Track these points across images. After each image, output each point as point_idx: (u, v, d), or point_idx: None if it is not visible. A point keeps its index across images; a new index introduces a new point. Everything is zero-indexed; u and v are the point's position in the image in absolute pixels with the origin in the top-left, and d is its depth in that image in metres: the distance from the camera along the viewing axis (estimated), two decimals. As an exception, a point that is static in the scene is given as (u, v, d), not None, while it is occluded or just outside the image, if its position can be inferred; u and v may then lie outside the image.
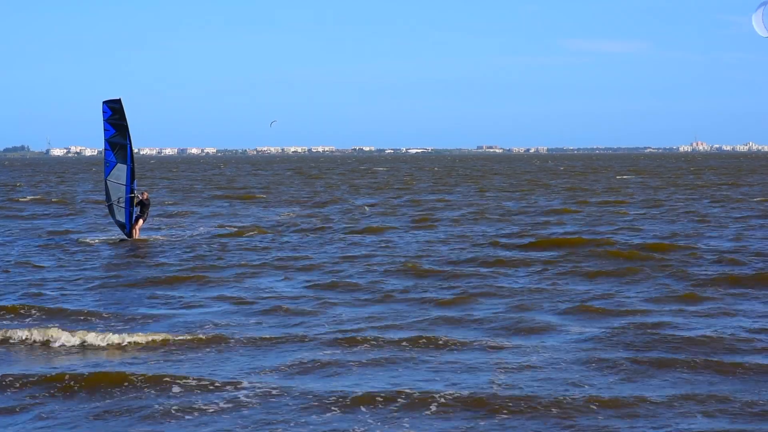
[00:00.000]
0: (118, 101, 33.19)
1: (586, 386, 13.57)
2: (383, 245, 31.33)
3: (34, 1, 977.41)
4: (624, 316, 18.53)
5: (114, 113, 33.11)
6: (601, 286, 22.47)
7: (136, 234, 33.49)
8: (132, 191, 33.07)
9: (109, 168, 33.54)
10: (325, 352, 15.78)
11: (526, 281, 23.30)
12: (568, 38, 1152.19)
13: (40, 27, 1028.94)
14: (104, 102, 33.31)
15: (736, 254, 27.19)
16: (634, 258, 26.74)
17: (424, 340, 16.41)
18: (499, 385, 13.58)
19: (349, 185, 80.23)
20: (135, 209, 33.30)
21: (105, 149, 33.59)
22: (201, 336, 16.92)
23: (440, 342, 16.31)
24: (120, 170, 33.12)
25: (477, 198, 59.15)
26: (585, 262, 26.18)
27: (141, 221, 33.60)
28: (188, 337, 16.83)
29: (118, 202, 33.34)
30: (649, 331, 17.07)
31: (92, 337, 16.70)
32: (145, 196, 33.60)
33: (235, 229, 36.86)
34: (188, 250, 30.69)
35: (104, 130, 33.25)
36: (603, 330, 17.15)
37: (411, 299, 20.86)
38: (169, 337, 16.82)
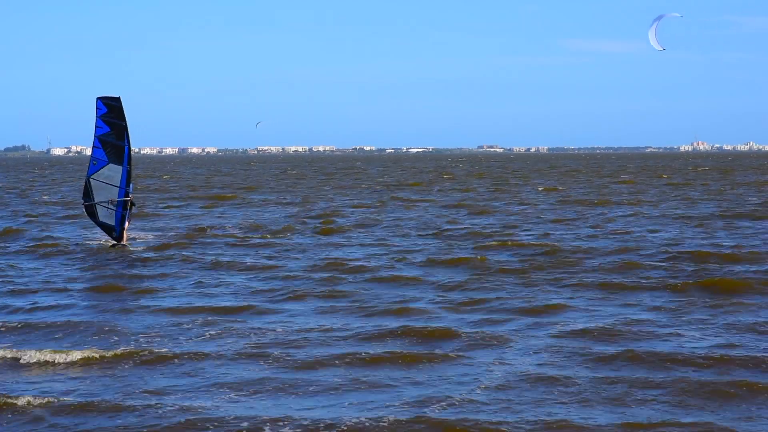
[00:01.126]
0: (118, 99, 31.68)
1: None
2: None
3: (34, 1, 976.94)
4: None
5: (111, 111, 31.61)
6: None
7: (125, 238, 31.76)
8: (127, 194, 31.41)
9: (96, 166, 31.92)
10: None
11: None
12: (568, 38, 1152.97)
13: (40, 27, 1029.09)
14: (99, 98, 31.78)
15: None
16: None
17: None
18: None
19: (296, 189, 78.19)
20: (127, 213, 31.62)
21: (94, 146, 31.92)
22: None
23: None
24: (112, 170, 31.65)
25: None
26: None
27: (127, 223, 31.95)
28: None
29: (110, 203, 31.65)
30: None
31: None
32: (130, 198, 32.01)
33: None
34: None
35: (96, 126, 31.71)
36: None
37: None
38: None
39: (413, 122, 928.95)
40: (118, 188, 31.38)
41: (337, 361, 14.95)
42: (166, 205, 53.03)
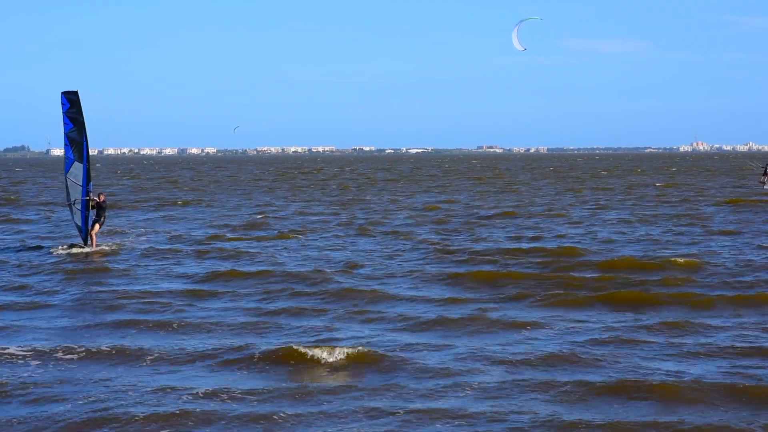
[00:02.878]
0: (76, 93, 30.34)
1: None
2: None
3: (34, 1, 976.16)
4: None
5: (72, 106, 30.28)
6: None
7: (94, 241, 30.38)
8: (87, 194, 30.05)
9: (68, 165, 30.72)
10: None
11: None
12: (568, 38, 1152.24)
13: (40, 27, 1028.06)
14: (63, 93, 30.38)
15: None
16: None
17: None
18: None
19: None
20: (91, 213, 30.18)
21: (65, 144, 30.66)
22: None
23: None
24: (77, 169, 30.40)
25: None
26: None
27: (98, 226, 30.55)
28: None
29: (74, 203, 30.41)
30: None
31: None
32: (101, 198, 30.57)
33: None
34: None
35: (63, 123, 30.33)
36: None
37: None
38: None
39: (413, 122, 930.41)
40: (81, 187, 30.13)
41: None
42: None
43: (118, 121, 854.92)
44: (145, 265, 26.91)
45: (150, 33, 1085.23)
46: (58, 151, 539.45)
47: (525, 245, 30.01)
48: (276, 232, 35.51)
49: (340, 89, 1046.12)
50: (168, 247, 31.36)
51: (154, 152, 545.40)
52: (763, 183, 68.88)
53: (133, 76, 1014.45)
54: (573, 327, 17.59)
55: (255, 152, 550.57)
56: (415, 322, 18.18)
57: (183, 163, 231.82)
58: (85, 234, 30.36)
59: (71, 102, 30.18)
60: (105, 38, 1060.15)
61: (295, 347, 15.49)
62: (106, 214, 31.05)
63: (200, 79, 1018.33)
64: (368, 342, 16.41)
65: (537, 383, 13.75)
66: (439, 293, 21.45)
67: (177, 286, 23.13)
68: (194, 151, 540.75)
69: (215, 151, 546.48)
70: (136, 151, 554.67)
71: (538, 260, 26.44)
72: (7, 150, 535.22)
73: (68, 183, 30.69)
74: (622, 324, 17.81)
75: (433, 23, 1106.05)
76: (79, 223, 30.47)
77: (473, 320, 18.13)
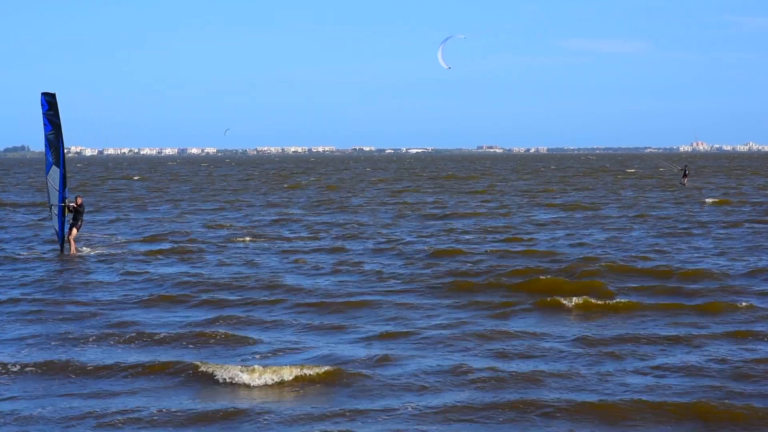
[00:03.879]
0: (53, 95, 29.78)
1: None
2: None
3: (34, 1, 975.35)
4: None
5: (50, 108, 29.77)
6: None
7: (72, 246, 29.73)
8: (63, 199, 29.41)
9: (47, 167, 30.21)
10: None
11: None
12: (568, 38, 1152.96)
13: (40, 27, 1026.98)
14: (42, 94, 29.85)
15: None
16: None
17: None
18: None
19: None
20: (68, 217, 29.56)
21: (45, 146, 30.16)
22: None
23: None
24: (55, 172, 29.80)
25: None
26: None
27: (75, 230, 29.87)
28: None
29: (51, 209, 29.81)
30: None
31: None
32: (78, 202, 29.94)
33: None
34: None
35: (43, 124, 29.80)
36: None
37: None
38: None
39: (413, 122, 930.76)
40: (58, 192, 29.51)
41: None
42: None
43: (118, 121, 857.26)
44: (114, 272, 26.11)
45: (150, 33, 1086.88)
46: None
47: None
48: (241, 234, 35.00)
49: (340, 89, 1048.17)
50: (118, 251, 30.60)
51: (154, 152, 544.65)
52: (683, 183, 72.86)
53: (133, 76, 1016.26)
54: (542, 337, 17.07)
55: (255, 152, 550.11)
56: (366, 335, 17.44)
57: (163, 162, 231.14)
58: (61, 240, 29.74)
59: (49, 104, 29.66)
60: (105, 38, 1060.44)
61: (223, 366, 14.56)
62: (84, 218, 30.38)
63: (200, 79, 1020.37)
64: (325, 357, 15.74)
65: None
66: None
67: (129, 293, 22.35)
68: (194, 151, 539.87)
69: (215, 151, 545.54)
70: (136, 151, 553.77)
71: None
72: (7, 150, 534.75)
73: (49, 186, 30.13)
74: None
75: (433, 23, 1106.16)
76: (57, 228, 29.85)
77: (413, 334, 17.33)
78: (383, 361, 15.08)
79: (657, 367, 14.64)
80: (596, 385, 13.77)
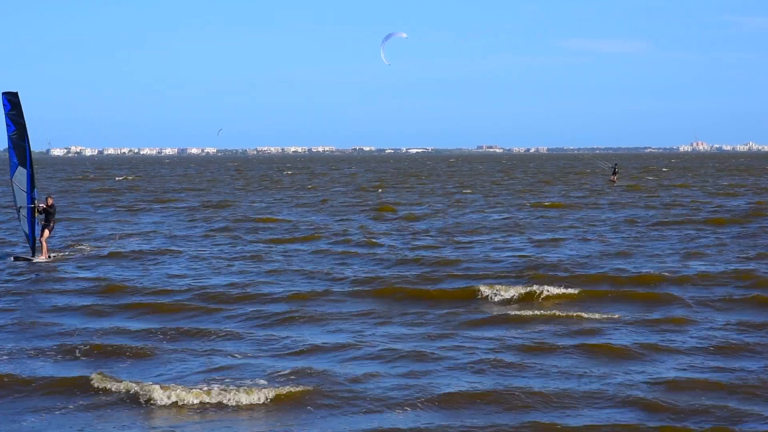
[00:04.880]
0: (16, 94, 28.84)
1: None
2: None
3: (34, 1, 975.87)
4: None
5: (13, 108, 28.78)
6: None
7: (44, 248, 28.78)
8: (33, 201, 28.48)
9: (12, 169, 29.21)
10: None
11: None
12: (568, 38, 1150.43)
13: (40, 27, 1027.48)
14: (3, 93, 28.93)
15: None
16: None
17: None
18: None
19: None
20: (38, 218, 28.68)
21: (8, 147, 29.20)
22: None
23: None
24: (21, 174, 28.79)
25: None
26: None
27: (47, 232, 28.95)
28: None
29: (19, 211, 28.95)
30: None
31: None
32: (49, 203, 29.04)
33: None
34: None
35: (6, 125, 28.85)
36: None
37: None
38: None
39: (413, 122, 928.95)
40: (26, 194, 28.64)
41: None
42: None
43: (118, 121, 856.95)
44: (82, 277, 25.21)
45: (150, 33, 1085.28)
46: (58, 151, 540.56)
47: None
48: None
49: (340, 89, 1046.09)
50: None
51: (154, 152, 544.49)
52: (613, 181, 74.79)
53: (133, 76, 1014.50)
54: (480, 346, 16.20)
55: (255, 152, 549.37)
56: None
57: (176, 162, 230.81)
58: (32, 243, 28.81)
59: (12, 104, 28.71)
60: (105, 38, 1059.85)
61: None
62: (56, 218, 29.54)
63: (200, 79, 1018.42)
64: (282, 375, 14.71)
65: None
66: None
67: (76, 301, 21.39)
68: (194, 151, 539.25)
69: (215, 151, 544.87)
70: (136, 151, 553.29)
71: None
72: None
73: (14, 188, 29.25)
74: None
75: (433, 23, 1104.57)
76: (27, 231, 29.00)
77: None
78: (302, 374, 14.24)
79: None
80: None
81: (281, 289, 22.19)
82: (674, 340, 16.20)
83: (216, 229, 38.10)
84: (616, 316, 18.39)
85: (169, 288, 22.74)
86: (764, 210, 42.88)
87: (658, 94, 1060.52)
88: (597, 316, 18.42)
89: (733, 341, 16.13)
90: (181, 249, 30.63)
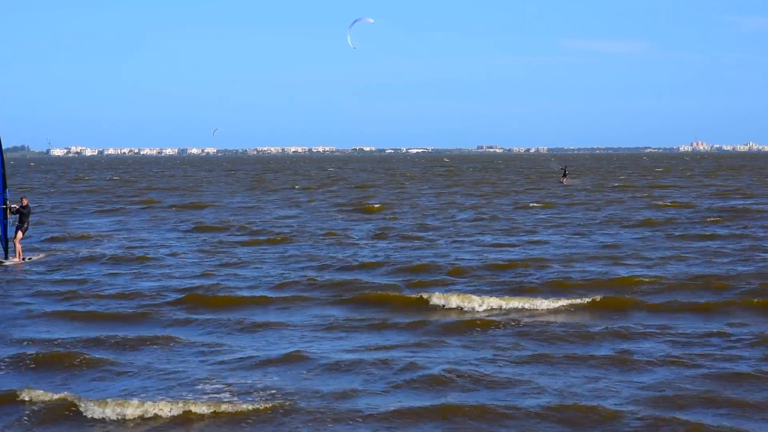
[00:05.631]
0: (-17, 94, 28.64)
1: None
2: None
3: (34, 1, 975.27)
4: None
5: (-19, 106, 28.54)
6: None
7: (18, 250, 28.56)
8: (4, 201, 28.27)
9: (-17, 170, 28.77)
10: None
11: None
12: (568, 38, 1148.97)
13: (40, 27, 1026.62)
14: (-30, 93, 28.68)
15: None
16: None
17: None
18: None
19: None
20: (12, 219, 28.65)
21: None
22: None
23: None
24: (-8, 174, 28.22)
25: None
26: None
27: (21, 233, 28.64)
28: None
29: (-10, 212, 28.54)
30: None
31: None
32: (24, 203, 28.82)
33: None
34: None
35: (-24, 127, 28.62)
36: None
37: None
38: None
39: (413, 122, 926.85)
40: (-3, 194, 28.12)
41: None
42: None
43: (118, 121, 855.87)
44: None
45: (150, 33, 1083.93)
46: (59, 151, 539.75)
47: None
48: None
49: (340, 89, 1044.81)
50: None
51: (154, 152, 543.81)
52: (562, 182, 76.23)
53: (133, 76, 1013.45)
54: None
55: (255, 152, 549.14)
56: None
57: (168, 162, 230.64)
58: (4, 244, 28.56)
59: (-20, 102, 28.65)
60: (105, 38, 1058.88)
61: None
62: (30, 219, 29.29)
63: (200, 79, 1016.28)
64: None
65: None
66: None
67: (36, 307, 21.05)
68: (194, 151, 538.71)
69: (215, 151, 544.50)
70: (136, 151, 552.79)
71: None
72: (7, 150, 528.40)
73: None
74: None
75: (433, 23, 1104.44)
76: (-1, 232, 28.75)
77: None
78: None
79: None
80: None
81: (243, 293, 21.96)
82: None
83: (188, 230, 37.98)
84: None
85: (131, 292, 22.34)
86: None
87: (658, 94, 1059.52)
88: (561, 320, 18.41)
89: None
90: (154, 254, 29.99)
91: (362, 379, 14.36)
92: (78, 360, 15.63)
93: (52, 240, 34.61)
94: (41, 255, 29.95)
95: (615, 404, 12.91)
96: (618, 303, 20.09)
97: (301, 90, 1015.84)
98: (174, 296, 21.88)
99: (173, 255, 29.85)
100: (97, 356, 15.82)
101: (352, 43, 51.79)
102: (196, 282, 23.87)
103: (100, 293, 22.56)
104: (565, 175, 79.08)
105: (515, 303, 20.02)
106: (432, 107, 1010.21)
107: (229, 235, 35.92)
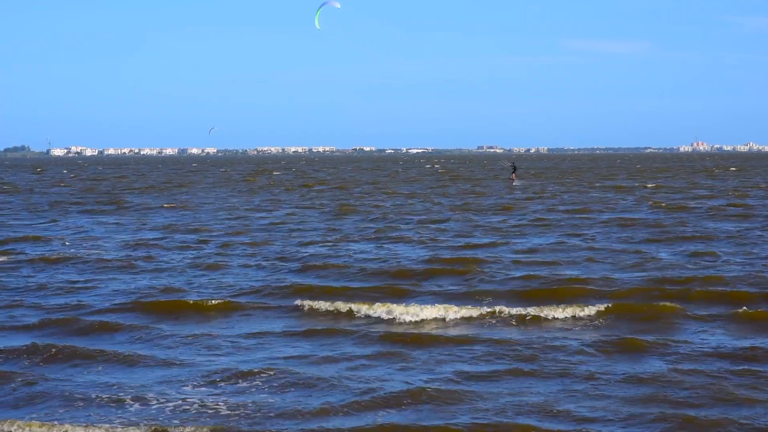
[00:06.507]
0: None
1: None
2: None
3: (34, 1, 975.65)
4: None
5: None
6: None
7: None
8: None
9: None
10: None
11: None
12: (568, 38, 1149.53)
13: (41, 27, 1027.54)
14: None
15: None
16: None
17: None
18: None
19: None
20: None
21: None
22: None
23: None
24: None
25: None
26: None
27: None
28: None
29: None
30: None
31: None
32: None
33: None
34: None
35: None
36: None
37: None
38: None
39: (413, 122, 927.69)
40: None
41: None
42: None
43: (118, 121, 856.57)
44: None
45: (149, 33, 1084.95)
46: (59, 151, 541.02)
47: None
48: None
49: (340, 89, 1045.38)
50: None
51: (154, 152, 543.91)
52: (512, 179, 77.95)
53: (133, 76, 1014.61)
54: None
55: (255, 152, 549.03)
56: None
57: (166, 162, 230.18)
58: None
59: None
60: (105, 38, 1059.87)
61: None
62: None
63: (200, 79, 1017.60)
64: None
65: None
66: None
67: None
68: (194, 151, 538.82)
69: (215, 151, 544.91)
70: (136, 151, 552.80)
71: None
72: (7, 150, 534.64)
73: None
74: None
75: (434, 23, 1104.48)
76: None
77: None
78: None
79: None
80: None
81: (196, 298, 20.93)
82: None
83: (156, 227, 37.28)
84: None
85: (75, 303, 20.90)
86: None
87: (659, 94, 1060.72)
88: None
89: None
90: (112, 256, 28.51)
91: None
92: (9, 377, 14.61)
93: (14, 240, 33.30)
94: (6, 259, 28.71)
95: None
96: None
97: (301, 90, 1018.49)
98: (118, 305, 20.61)
99: (125, 257, 28.11)
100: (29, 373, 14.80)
101: (318, 24, 53.05)
102: (145, 289, 22.69)
103: (37, 304, 21.15)
104: (514, 171, 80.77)
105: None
106: (433, 107, 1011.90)
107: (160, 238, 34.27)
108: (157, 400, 13.16)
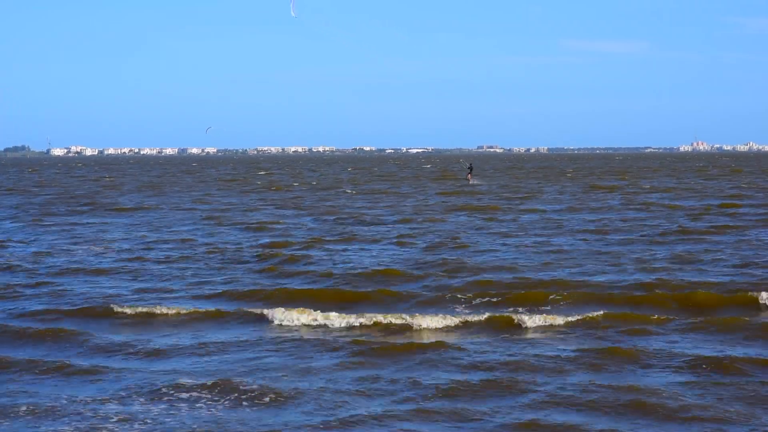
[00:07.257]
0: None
1: None
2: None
3: (34, 1, 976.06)
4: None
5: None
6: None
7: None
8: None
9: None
10: None
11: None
12: (568, 38, 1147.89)
13: (41, 27, 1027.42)
14: None
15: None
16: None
17: None
18: None
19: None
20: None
21: None
22: None
23: None
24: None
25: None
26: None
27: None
28: None
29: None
30: None
31: None
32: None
33: None
34: None
35: None
36: None
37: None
38: None
39: (413, 122, 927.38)
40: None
41: None
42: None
43: (118, 121, 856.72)
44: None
45: (149, 33, 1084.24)
46: (59, 151, 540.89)
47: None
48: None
49: (340, 89, 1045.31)
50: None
51: (154, 152, 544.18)
52: (468, 179, 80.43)
53: (133, 76, 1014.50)
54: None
55: (255, 152, 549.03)
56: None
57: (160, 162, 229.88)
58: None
59: None
60: (105, 38, 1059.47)
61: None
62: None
63: (200, 79, 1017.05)
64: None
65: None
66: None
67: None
68: (194, 151, 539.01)
69: (215, 150, 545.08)
70: (137, 150, 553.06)
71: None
72: (7, 150, 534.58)
73: None
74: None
75: (434, 23, 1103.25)
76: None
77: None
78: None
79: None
80: None
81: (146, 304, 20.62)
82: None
83: (130, 225, 37.64)
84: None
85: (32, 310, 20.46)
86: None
87: (658, 94, 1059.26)
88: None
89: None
90: (81, 264, 27.92)
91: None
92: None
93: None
94: None
95: None
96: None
97: (301, 90, 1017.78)
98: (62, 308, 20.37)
99: (98, 261, 27.59)
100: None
101: (294, 12, 55.84)
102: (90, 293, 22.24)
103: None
104: (470, 171, 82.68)
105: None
106: (432, 107, 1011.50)
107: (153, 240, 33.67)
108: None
